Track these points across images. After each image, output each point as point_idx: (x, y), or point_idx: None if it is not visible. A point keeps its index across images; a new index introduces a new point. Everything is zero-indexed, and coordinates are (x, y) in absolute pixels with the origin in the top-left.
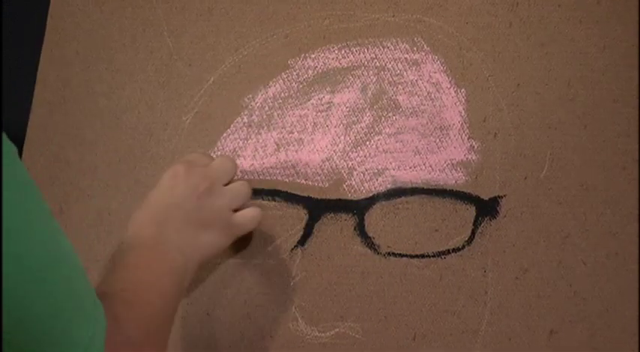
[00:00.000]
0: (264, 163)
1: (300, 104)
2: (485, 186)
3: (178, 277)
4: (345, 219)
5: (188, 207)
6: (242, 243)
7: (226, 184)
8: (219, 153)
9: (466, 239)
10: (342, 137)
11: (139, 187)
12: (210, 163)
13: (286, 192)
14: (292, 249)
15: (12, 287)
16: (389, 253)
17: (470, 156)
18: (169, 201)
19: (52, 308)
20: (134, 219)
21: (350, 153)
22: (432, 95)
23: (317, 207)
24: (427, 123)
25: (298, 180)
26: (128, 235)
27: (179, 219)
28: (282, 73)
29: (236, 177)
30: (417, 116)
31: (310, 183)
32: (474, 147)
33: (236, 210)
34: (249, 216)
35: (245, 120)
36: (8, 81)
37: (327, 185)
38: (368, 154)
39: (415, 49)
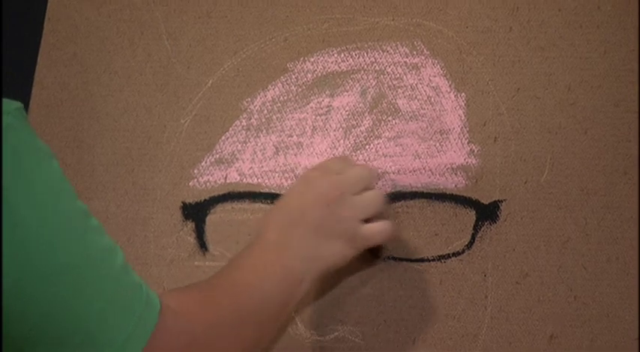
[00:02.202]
0: (263, 166)
1: (300, 107)
2: (485, 191)
3: (289, 286)
4: None
5: (315, 215)
6: (372, 254)
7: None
8: (217, 156)
9: (466, 243)
10: (342, 141)
11: (137, 190)
12: (346, 170)
13: None
14: None
15: (36, 287)
16: (389, 257)
17: (470, 161)
18: (297, 207)
19: (77, 308)
20: (263, 220)
21: (350, 157)
22: (432, 99)
23: None
24: (427, 127)
25: None
26: (256, 235)
27: (304, 226)
28: (281, 77)
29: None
30: (416, 120)
31: None
32: (473, 151)
33: (368, 220)
34: (376, 229)
35: (244, 123)
36: (6, 83)
37: None
38: (367, 158)
39: (415, 52)
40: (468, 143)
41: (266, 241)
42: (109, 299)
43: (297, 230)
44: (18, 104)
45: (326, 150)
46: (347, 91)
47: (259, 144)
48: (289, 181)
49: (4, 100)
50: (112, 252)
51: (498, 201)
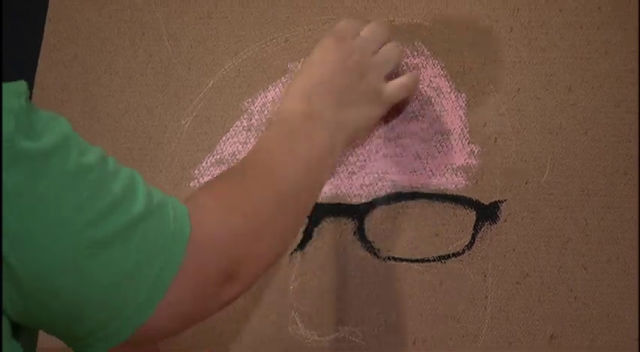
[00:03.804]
0: None
1: None
2: (485, 191)
3: (320, 158)
4: (345, 223)
5: (338, 81)
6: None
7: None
8: (218, 156)
9: (466, 243)
10: None
11: None
12: (360, 31)
13: None
14: (292, 253)
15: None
16: (389, 257)
17: (470, 161)
18: (319, 76)
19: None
20: (287, 91)
21: (350, 157)
22: (433, 99)
23: (317, 211)
24: (427, 127)
25: None
26: (278, 112)
27: (329, 94)
28: (282, 77)
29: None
30: (417, 120)
31: None
32: (474, 151)
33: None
34: (400, 84)
35: (244, 124)
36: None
37: (326, 189)
38: (368, 158)
39: (415, 53)
40: (468, 143)
41: (291, 115)
42: (133, 247)
43: (321, 99)
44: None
45: None
46: None
47: None
48: None
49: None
50: (131, 192)
51: (499, 201)
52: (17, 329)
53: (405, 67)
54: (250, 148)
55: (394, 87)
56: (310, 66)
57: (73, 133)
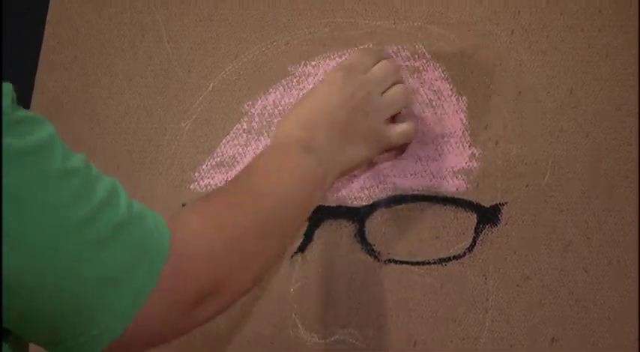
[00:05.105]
0: None
1: None
2: (486, 194)
3: (310, 188)
4: (346, 226)
5: (342, 117)
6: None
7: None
8: (218, 159)
9: (467, 246)
10: None
11: (138, 193)
12: (371, 67)
13: None
14: (292, 256)
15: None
16: (389, 260)
17: (471, 164)
18: (323, 108)
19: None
20: (283, 122)
21: None
22: (433, 102)
23: (317, 214)
24: (428, 130)
25: None
26: (275, 136)
27: (331, 127)
28: (282, 80)
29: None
30: (418, 123)
31: None
32: (475, 154)
33: (393, 119)
34: (400, 131)
35: (245, 126)
36: None
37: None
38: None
39: (416, 56)
40: (469, 146)
41: (289, 141)
42: (115, 252)
43: (322, 132)
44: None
45: None
46: None
47: (260, 147)
48: None
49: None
50: (113, 198)
51: (499, 204)
52: (5, 333)
53: (406, 73)
54: (243, 167)
55: (395, 133)
56: (316, 96)
57: (57, 136)
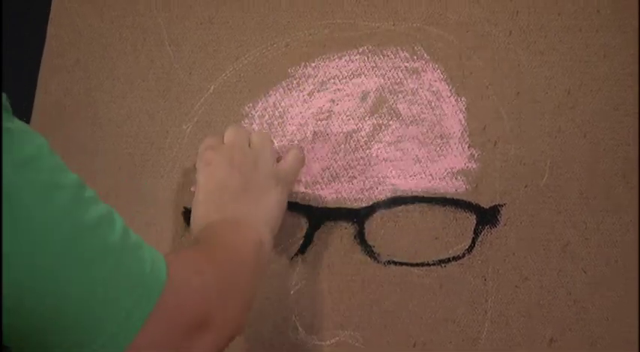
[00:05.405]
0: None
1: (301, 113)
2: (485, 195)
3: (256, 252)
4: (346, 228)
5: (236, 182)
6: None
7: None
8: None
9: (466, 247)
10: (342, 145)
11: (139, 195)
12: (223, 139)
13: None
14: (292, 258)
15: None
16: (389, 261)
17: (470, 165)
18: (218, 186)
19: (74, 284)
20: (193, 220)
21: (350, 162)
22: (432, 103)
23: (317, 216)
24: (427, 131)
25: (298, 189)
26: (197, 231)
27: (234, 198)
28: (283, 82)
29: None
30: (417, 124)
31: (310, 191)
32: (474, 155)
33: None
34: (289, 160)
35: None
36: (9, 89)
37: (327, 193)
38: (368, 163)
39: (415, 57)
40: (468, 147)
41: (212, 226)
42: (106, 275)
43: (230, 205)
44: None
45: (327, 154)
46: (347, 96)
47: None
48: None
49: None
50: (107, 223)
51: (498, 205)
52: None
53: (405, 74)
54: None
55: (287, 163)
56: (205, 182)
57: (50, 150)
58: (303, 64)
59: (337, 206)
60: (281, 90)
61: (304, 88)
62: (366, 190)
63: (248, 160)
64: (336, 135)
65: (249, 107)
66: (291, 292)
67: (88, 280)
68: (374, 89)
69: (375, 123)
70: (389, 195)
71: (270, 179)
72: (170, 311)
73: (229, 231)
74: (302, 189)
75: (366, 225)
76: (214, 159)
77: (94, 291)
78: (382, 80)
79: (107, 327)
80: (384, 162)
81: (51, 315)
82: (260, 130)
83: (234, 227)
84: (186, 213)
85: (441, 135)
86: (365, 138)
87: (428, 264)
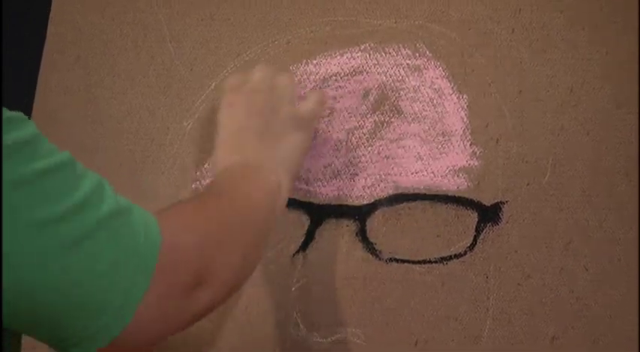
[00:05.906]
0: None
1: None
2: (487, 192)
3: (273, 195)
4: (347, 225)
5: (256, 124)
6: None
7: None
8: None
9: (468, 245)
10: (344, 143)
11: (140, 192)
12: (248, 79)
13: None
14: (294, 255)
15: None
16: (391, 259)
17: (472, 162)
18: (238, 128)
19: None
20: (214, 161)
21: (352, 159)
22: (434, 101)
23: (319, 213)
24: (429, 129)
25: (300, 186)
26: (215, 170)
27: (254, 137)
28: None
29: None
30: (419, 122)
31: (312, 188)
32: (476, 153)
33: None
34: (311, 103)
35: None
36: (9, 86)
37: (328, 190)
38: (370, 160)
39: (417, 54)
40: (470, 145)
41: (230, 168)
42: (100, 249)
43: (250, 146)
44: None
45: (328, 151)
46: (349, 93)
47: None
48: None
49: None
50: (97, 196)
51: (500, 202)
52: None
53: (407, 72)
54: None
55: (308, 106)
56: (225, 123)
57: (40, 134)
58: (304, 61)
59: (339, 203)
60: None
61: (306, 86)
62: (368, 187)
63: (271, 102)
64: (337, 132)
65: None
66: (293, 289)
67: (90, 254)
68: (376, 86)
69: (377, 121)
70: (391, 192)
71: (292, 121)
72: (167, 274)
73: (244, 176)
74: (304, 186)
75: (368, 223)
76: (236, 100)
77: (97, 264)
78: (384, 77)
79: (114, 298)
80: (385, 159)
81: (60, 293)
82: (284, 73)
83: (251, 171)
84: None
85: (442, 133)
86: (367, 136)
87: (430, 262)
